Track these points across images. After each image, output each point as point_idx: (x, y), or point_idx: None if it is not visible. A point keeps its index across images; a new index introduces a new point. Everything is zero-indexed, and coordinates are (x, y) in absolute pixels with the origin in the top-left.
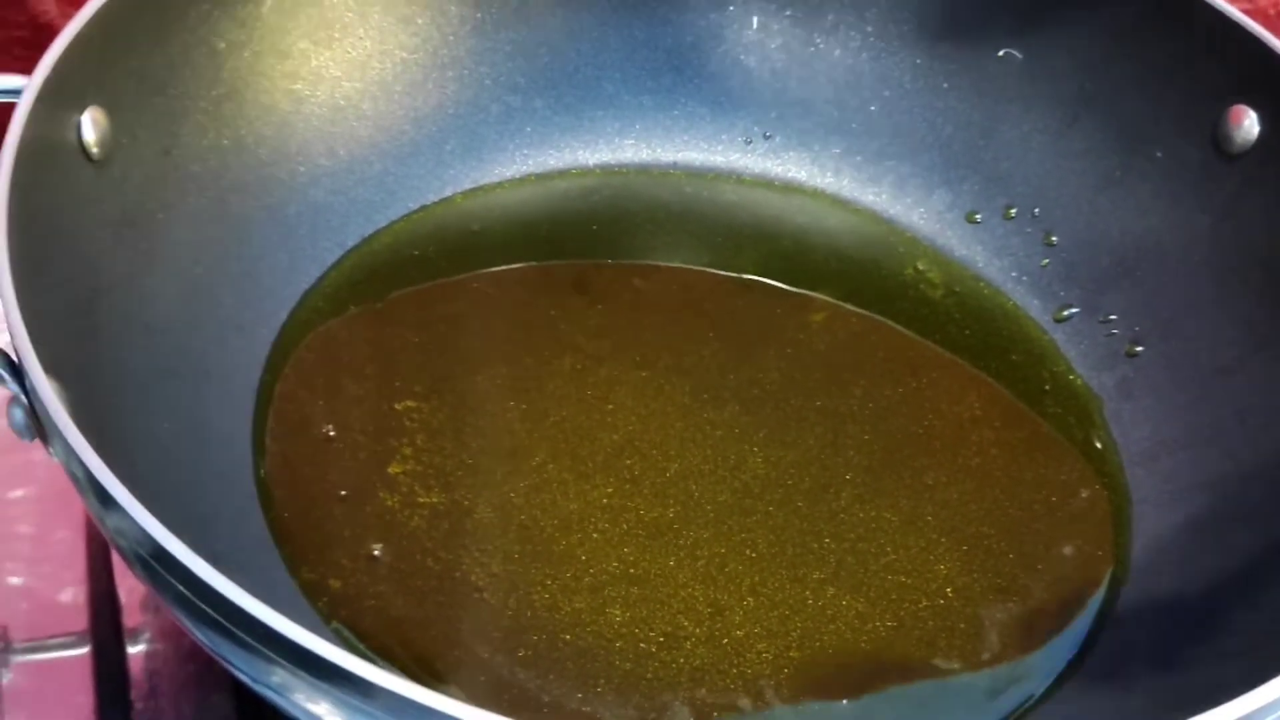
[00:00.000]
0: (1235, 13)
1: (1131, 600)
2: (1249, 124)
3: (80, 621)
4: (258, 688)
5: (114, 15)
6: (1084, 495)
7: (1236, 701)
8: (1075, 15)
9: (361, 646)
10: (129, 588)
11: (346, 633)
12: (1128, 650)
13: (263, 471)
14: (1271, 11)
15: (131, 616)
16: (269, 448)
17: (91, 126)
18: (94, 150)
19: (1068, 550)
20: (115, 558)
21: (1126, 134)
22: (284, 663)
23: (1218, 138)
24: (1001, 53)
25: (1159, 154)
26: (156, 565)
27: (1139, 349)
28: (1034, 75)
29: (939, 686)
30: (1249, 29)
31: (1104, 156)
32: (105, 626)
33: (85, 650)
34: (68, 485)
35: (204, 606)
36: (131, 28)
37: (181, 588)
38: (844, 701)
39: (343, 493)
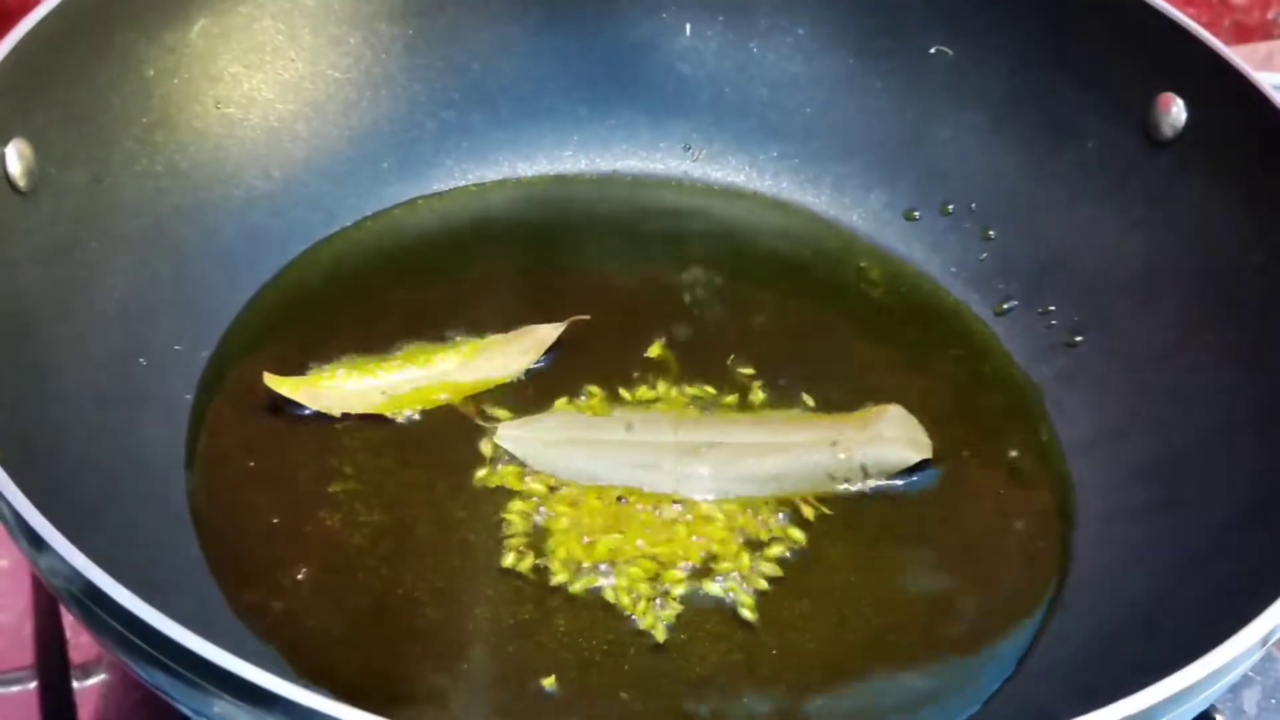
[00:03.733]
0: (1160, 2)
1: (1078, 587)
2: (1176, 111)
3: (26, 656)
4: None
5: (37, 46)
6: (1027, 486)
7: (1174, 677)
8: (1004, 10)
9: (304, 667)
10: (73, 620)
11: (288, 655)
12: (1079, 635)
13: (200, 495)
14: None
15: (80, 649)
16: (207, 471)
17: (16, 159)
18: (20, 182)
19: (1012, 541)
20: None
21: (1058, 126)
22: (223, 694)
23: (1147, 126)
24: (933, 50)
25: (1090, 144)
26: (91, 604)
27: (1078, 339)
28: (965, 71)
29: (886, 682)
30: (1173, 18)
31: (1038, 149)
32: (51, 660)
33: (32, 685)
34: None
35: (140, 642)
36: (56, 58)
37: (117, 625)
38: (788, 701)
39: (282, 514)
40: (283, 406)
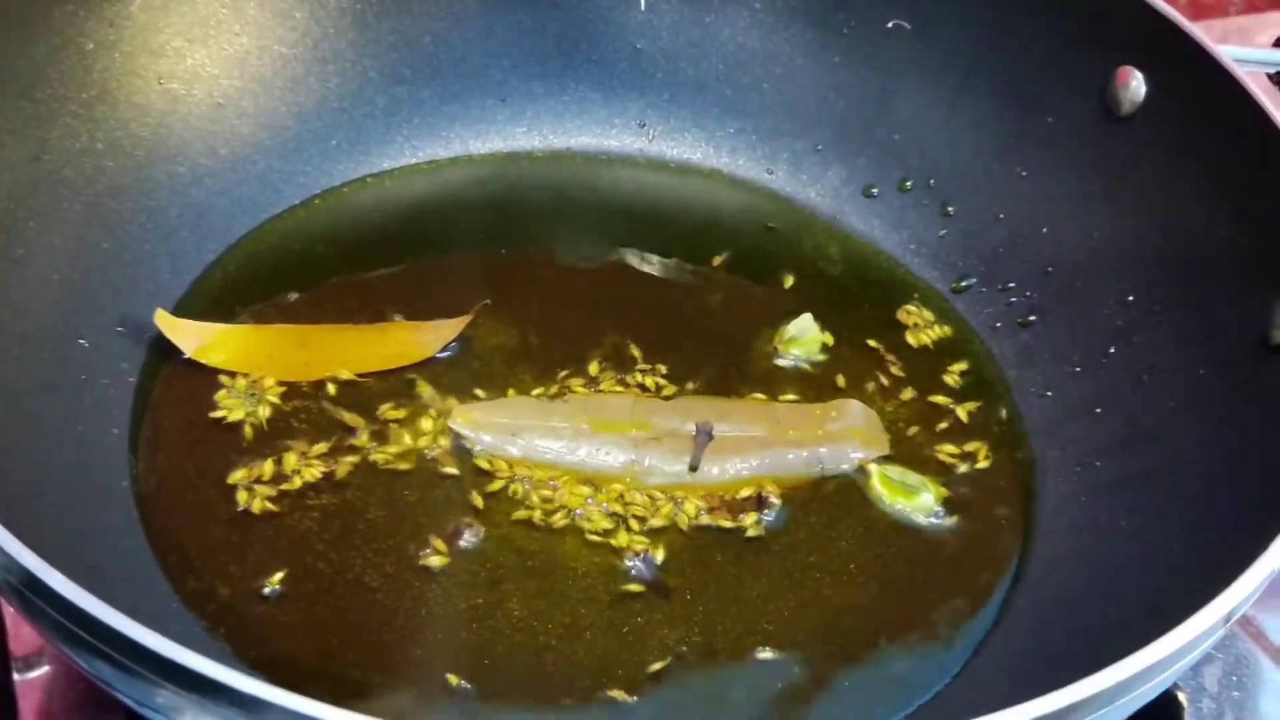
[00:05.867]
0: None
1: (1042, 563)
2: (1136, 85)
3: None
4: (145, 711)
5: None
6: (990, 465)
7: (1138, 654)
8: None
9: (252, 655)
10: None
11: (235, 643)
12: (1042, 612)
13: (145, 481)
14: None
15: (21, 640)
16: (151, 456)
17: None
18: None
19: (974, 519)
20: None
21: (1018, 101)
22: (167, 684)
23: (1107, 100)
24: (891, 24)
25: (1050, 120)
26: (30, 594)
27: (1037, 316)
28: (924, 46)
29: (846, 659)
30: None
31: (997, 125)
32: None
33: None
34: None
35: (81, 633)
36: None
37: (57, 615)
38: (747, 682)
39: (229, 499)
40: (227, 388)
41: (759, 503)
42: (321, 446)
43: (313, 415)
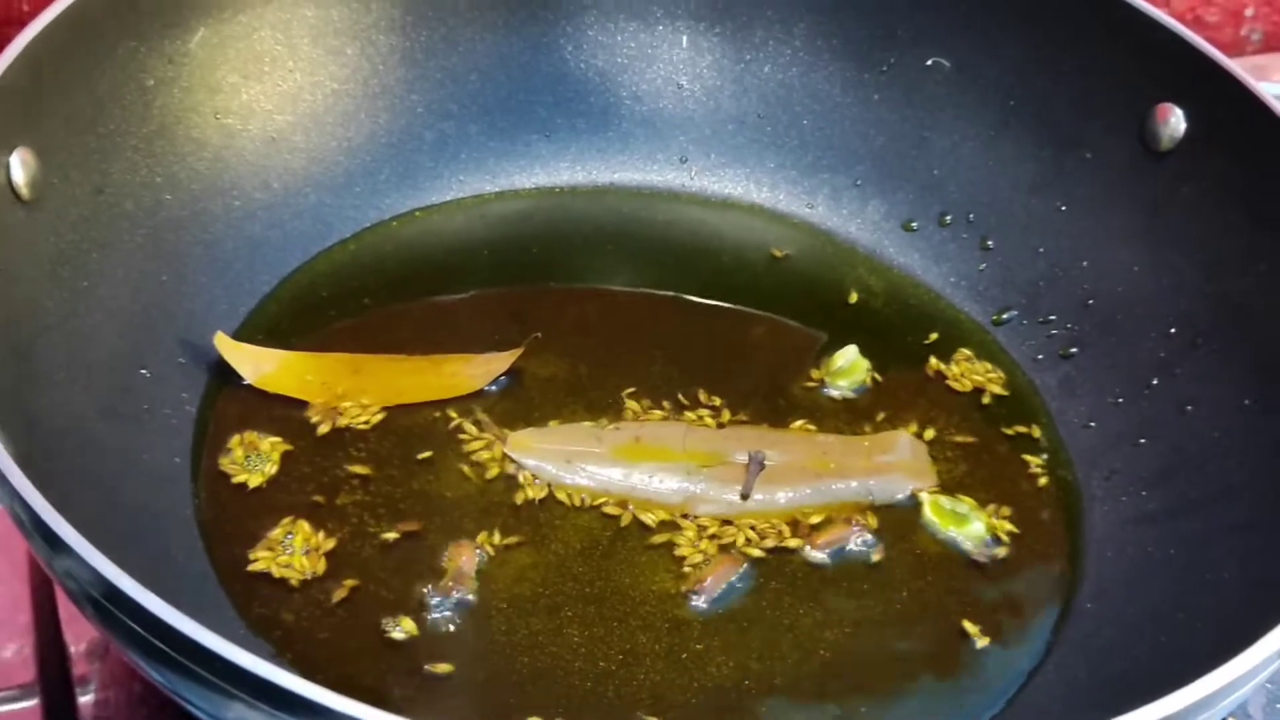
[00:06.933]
0: (1158, 13)
1: (1091, 594)
2: (1175, 121)
3: (27, 673)
4: None
5: (40, 56)
6: (1034, 496)
7: (1195, 684)
8: (1001, 21)
9: (318, 681)
10: (75, 635)
11: (301, 670)
12: (1094, 641)
13: (207, 510)
14: (1189, 17)
15: (78, 666)
16: (212, 485)
17: (20, 168)
18: (24, 191)
19: (1022, 549)
20: (61, 608)
21: (1056, 137)
22: (243, 696)
23: (1145, 136)
24: (930, 62)
25: (1089, 155)
26: (109, 605)
27: (1079, 348)
28: (963, 82)
29: (902, 688)
30: (1172, 29)
31: (1035, 160)
32: (54, 677)
33: (34, 703)
34: (5, 538)
35: (159, 644)
36: (58, 68)
37: (135, 627)
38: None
39: (291, 527)
40: (284, 419)
41: (837, 530)
42: (367, 470)
43: (369, 446)
